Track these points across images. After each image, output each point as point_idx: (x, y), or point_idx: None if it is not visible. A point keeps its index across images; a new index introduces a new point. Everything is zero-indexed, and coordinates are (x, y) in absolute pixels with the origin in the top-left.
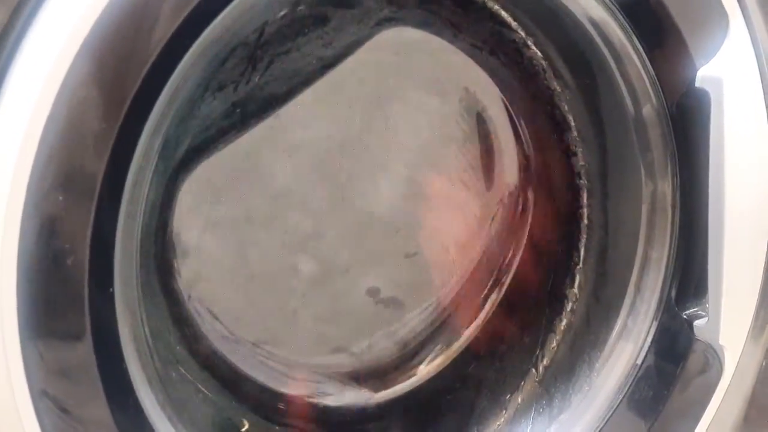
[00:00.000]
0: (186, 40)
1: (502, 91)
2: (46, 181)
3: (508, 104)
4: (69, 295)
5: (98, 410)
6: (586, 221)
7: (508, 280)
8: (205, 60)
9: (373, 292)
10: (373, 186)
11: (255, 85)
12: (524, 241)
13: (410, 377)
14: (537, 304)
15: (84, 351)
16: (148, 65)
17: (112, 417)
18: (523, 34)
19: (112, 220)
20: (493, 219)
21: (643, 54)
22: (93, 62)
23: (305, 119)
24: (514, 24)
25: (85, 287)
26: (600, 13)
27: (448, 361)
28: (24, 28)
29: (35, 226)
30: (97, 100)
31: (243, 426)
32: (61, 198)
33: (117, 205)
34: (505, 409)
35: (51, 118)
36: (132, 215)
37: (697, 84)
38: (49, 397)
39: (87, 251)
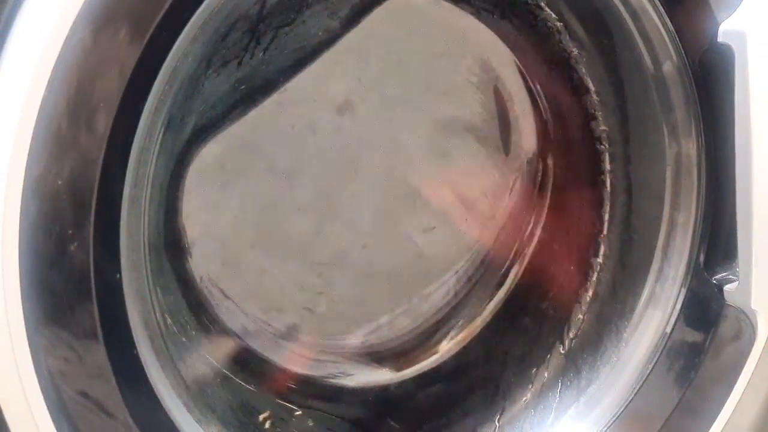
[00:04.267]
0: (183, 14)
1: (516, 55)
2: (45, 164)
3: (523, 69)
4: (74, 282)
5: (110, 397)
6: (608, 187)
7: (530, 251)
8: (205, 35)
9: (391, 268)
10: (386, 159)
11: (259, 60)
12: (545, 211)
13: (432, 355)
14: (561, 274)
15: (93, 338)
16: (145, 40)
17: (124, 403)
18: None
19: (116, 203)
20: (512, 189)
21: (661, 9)
22: (89, 38)
23: (313, 93)
24: None
25: (90, 274)
26: None
27: (471, 337)
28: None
29: (36, 212)
30: (94, 78)
31: (263, 412)
32: (60, 182)
33: (120, 188)
34: (532, 383)
35: (46, 99)
36: (137, 198)
37: (720, 39)
38: (60, 381)
39: (90, 237)
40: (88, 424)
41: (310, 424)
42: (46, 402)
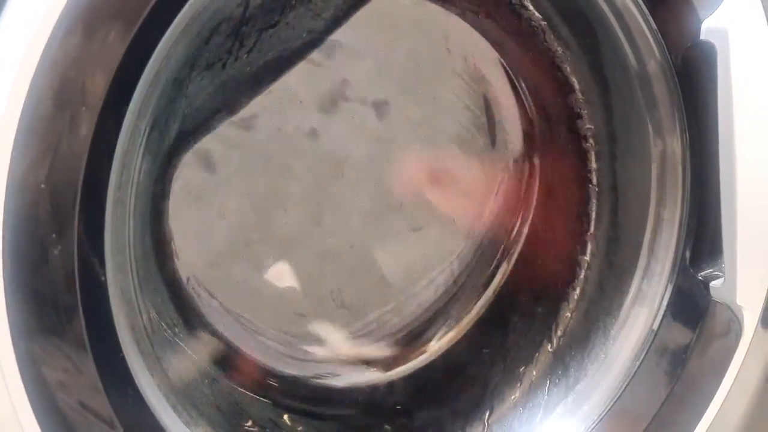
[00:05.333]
0: (164, 17)
1: (501, 55)
2: (27, 167)
3: (508, 69)
4: (58, 286)
5: (96, 401)
6: (595, 185)
7: (517, 250)
8: (188, 37)
9: (378, 268)
10: (373, 160)
11: (243, 62)
12: (532, 210)
13: (421, 354)
14: (548, 273)
15: (78, 342)
16: (128, 42)
17: (111, 407)
18: None
19: (100, 206)
20: (498, 188)
21: (644, 7)
22: (71, 40)
23: (299, 94)
24: None
25: (75, 277)
26: None
27: (459, 336)
28: None
29: (18, 216)
30: (76, 81)
31: (251, 414)
32: (43, 186)
33: (104, 190)
34: (520, 381)
35: (28, 101)
36: (122, 200)
37: (702, 36)
38: (50, 388)
39: (75, 240)
40: (73, 429)
41: (299, 426)
42: (33, 410)
